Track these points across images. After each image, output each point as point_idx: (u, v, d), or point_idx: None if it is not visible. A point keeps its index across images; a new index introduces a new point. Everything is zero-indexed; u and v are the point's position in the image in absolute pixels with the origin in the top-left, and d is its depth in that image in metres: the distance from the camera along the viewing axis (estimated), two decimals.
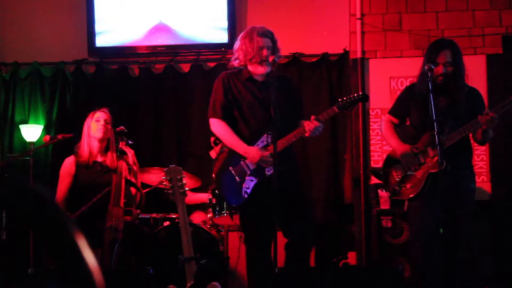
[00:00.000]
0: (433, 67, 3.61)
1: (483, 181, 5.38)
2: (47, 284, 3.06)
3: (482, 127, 3.61)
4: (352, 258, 5.24)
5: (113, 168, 4.23)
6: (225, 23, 5.89)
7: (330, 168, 5.68)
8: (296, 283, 3.51)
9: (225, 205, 4.64)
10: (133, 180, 4.24)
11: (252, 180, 3.56)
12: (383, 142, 5.40)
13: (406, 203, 3.83)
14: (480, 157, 5.40)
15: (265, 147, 3.57)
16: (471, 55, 5.34)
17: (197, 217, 4.99)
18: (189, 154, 5.83)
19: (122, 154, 4.25)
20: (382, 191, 4.96)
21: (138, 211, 4.32)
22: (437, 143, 3.46)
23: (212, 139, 4.81)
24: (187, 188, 3.82)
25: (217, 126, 3.67)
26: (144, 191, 4.42)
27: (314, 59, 5.81)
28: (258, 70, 3.63)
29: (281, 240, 3.45)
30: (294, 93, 3.87)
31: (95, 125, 4.32)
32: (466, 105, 3.75)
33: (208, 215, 4.83)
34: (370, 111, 5.64)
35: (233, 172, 3.57)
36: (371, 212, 5.17)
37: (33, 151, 5.57)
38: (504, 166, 5.45)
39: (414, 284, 3.85)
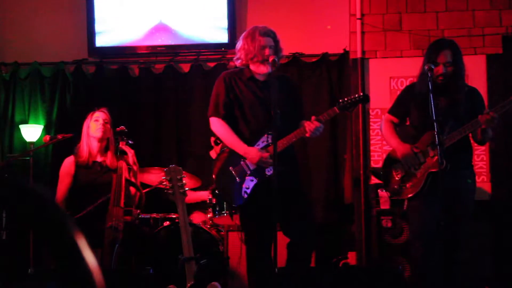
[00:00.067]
0: (433, 67, 3.61)
1: (483, 181, 5.38)
2: (47, 284, 3.06)
3: (482, 127, 3.61)
4: (352, 258, 5.24)
5: (113, 168, 4.23)
6: (225, 23, 5.89)
7: (330, 168, 5.68)
8: (296, 283, 3.51)
9: (225, 205, 4.64)
10: (133, 180, 4.24)
11: (252, 180, 3.55)
12: (383, 142, 5.39)
13: (405, 203, 3.83)
14: (480, 157, 5.40)
15: (265, 147, 3.56)
16: (471, 55, 5.33)
17: (197, 217, 4.99)
18: (189, 154, 5.83)
19: (122, 154, 4.24)
20: (382, 191, 4.96)
21: (138, 211, 4.32)
22: (437, 143, 3.46)
23: (213, 139, 4.81)
24: (187, 188, 3.82)
25: (218, 125, 3.66)
26: (144, 191, 4.42)
27: (314, 59, 5.81)
28: (260, 70, 3.61)
29: (282, 240, 3.45)
30: (295, 93, 3.86)
31: (94, 125, 4.33)
32: (466, 105, 3.75)
33: (208, 215, 4.82)
34: (370, 111, 5.63)
35: (233, 172, 3.57)
36: (371, 212, 5.17)
37: (33, 151, 5.57)
38: (504, 166, 5.44)
39: (414, 284, 3.85)
